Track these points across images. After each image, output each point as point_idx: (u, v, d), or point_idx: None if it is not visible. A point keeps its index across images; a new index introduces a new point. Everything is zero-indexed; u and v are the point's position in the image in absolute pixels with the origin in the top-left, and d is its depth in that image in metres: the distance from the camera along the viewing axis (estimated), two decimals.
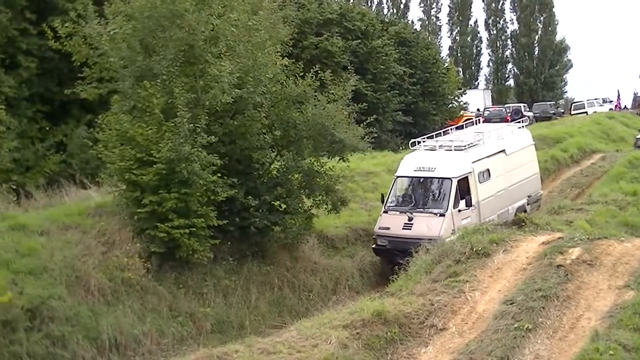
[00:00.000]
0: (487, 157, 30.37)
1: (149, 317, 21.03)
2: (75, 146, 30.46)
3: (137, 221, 22.70)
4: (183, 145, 21.90)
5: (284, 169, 26.77)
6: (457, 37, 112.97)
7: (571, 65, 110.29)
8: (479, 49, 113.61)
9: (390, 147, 49.57)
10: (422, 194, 29.18)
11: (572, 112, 74.27)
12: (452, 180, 28.22)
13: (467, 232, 22.21)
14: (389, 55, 55.90)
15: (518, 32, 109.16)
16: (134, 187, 22.56)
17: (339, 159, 27.89)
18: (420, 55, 61.86)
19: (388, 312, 17.33)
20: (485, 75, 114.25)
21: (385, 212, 28.76)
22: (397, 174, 30.03)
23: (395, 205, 28.99)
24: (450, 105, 66.84)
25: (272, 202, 25.88)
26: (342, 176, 28.76)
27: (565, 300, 17.34)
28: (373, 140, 29.90)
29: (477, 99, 79.51)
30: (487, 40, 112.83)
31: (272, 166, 26.87)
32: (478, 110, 71.26)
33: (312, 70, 26.89)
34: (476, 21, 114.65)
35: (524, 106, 77.87)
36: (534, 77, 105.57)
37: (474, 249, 20.38)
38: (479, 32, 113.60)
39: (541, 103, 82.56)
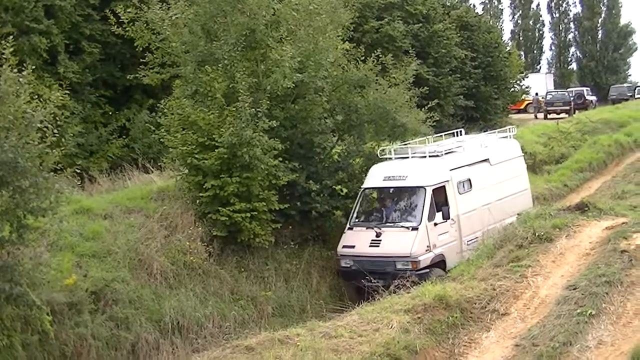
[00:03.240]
0: (468, 165, 26.28)
1: (211, 300, 21.23)
2: (137, 131, 30.74)
3: (199, 205, 22.90)
4: (245, 130, 21.98)
5: (346, 154, 26.86)
6: (519, 21, 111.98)
7: (636, 49, 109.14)
8: (541, 32, 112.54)
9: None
10: (392, 206, 25.25)
11: (637, 96, 73.31)
12: (425, 189, 24.40)
13: (530, 217, 21.98)
14: (450, 39, 55.37)
15: (581, 15, 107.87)
16: (196, 171, 22.75)
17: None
18: (482, 39, 61.14)
19: (450, 296, 17.30)
20: (547, 59, 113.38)
21: (350, 228, 24.95)
22: (364, 186, 25.79)
23: (362, 221, 25.17)
24: (512, 89, 66.14)
25: (334, 187, 25.86)
26: None
27: (629, 286, 17.05)
28: (434, 124, 29.61)
29: (539, 82, 78.78)
30: (550, 23, 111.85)
31: (333, 150, 26.98)
32: (536, 94, 70.48)
33: (373, 54, 26.89)
34: (538, 4, 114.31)
35: (587, 90, 77.09)
36: (597, 61, 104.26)
37: (537, 234, 20.15)
38: (541, 16, 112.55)
39: (618, 86, 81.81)
